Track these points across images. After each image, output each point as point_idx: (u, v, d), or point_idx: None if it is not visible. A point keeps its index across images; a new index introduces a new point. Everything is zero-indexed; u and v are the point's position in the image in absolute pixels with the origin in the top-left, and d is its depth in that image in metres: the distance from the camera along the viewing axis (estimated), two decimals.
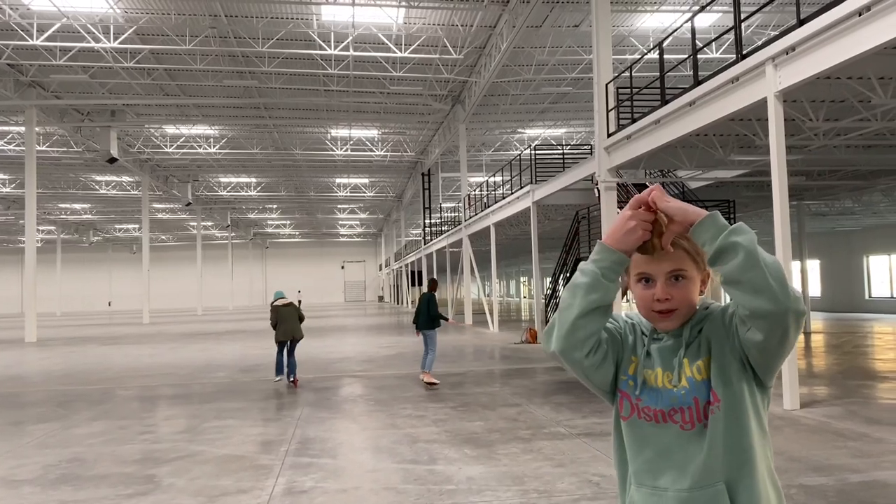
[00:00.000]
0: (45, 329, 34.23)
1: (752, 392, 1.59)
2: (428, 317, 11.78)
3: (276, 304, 12.19)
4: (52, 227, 62.23)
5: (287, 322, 11.91)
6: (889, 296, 30.18)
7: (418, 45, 21.68)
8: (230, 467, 6.36)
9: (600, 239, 1.59)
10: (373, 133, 34.44)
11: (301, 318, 12.08)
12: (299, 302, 61.69)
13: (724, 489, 1.55)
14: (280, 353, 11.88)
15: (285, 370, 11.81)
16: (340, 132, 33.87)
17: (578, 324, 1.58)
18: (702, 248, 1.52)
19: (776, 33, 9.14)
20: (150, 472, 6.23)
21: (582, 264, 1.62)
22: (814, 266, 33.73)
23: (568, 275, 18.16)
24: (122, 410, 9.80)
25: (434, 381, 11.42)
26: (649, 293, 1.62)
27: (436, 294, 12.24)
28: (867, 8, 6.89)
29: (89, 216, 58.96)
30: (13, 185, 42.48)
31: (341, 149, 36.31)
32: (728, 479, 1.55)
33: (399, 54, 21.72)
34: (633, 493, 1.65)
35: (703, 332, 1.63)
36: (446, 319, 12.23)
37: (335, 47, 21.32)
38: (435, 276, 13.05)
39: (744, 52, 9.12)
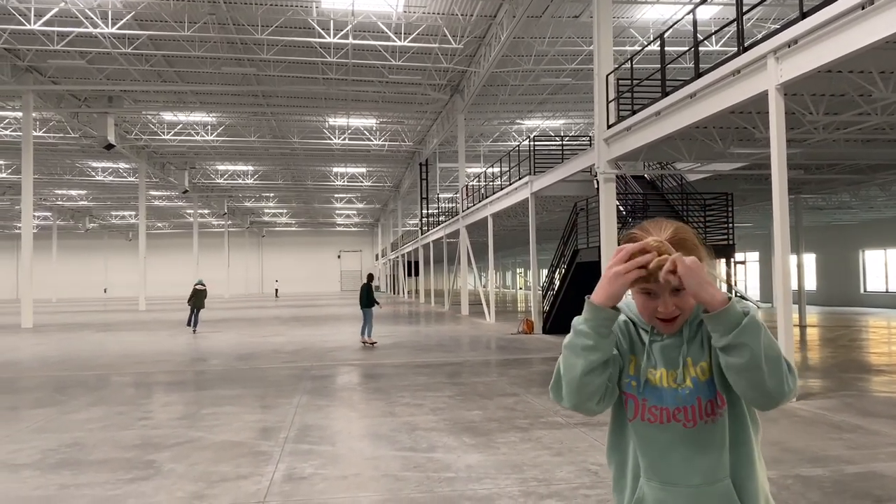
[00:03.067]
0: (41, 315, 34.18)
1: None
2: (366, 300, 16.63)
3: (196, 287, 21.65)
4: (49, 214, 62.02)
5: (196, 298, 21.28)
6: (884, 290, 30.30)
7: (418, 34, 21.60)
8: (229, 453, 6.37)
9: (588, 296, 1.62)
10: (371, 122, 34.34)
11: (205, 296, 21.56)
12: (276, 290, 64.36)
13: (731, 484, 1.64)
14: (191, 313, 21.25)
15: (194, 324, 21.22)
16: (338, 121, 33.77)
17: (584, 381, 1.61)
18: (711, 333, 1.55)
19: (777, 26, 9.13)
20: (149, 458, 6.25)
21: (575, 322, 1.62)
22: (810, 260, 33.82)
23: (564, 268, 18.18)
24: (120, 396, 9.81)
25: (373, 341, 16.46)
26: (652, 304, 1.65)
27: (372, 284, 17.17)
28: (870, 1, 6.89)
29: (85, 203, 58.76)
30: (9, 171, 42.26)
31: (339, 138, 36.19)
32: (732, 475, 1.65)
33: (398, 43, 21.63)
34: (642, 486, 1.71)
35: (703, 327, 1.66)
36: (378, 304, 17.18)
37: (334, 35, 21.23)
38: (372, 273, 18.63)
39: (745, 45, 9.11)
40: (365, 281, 17.30)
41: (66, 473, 5.78)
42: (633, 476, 1.73)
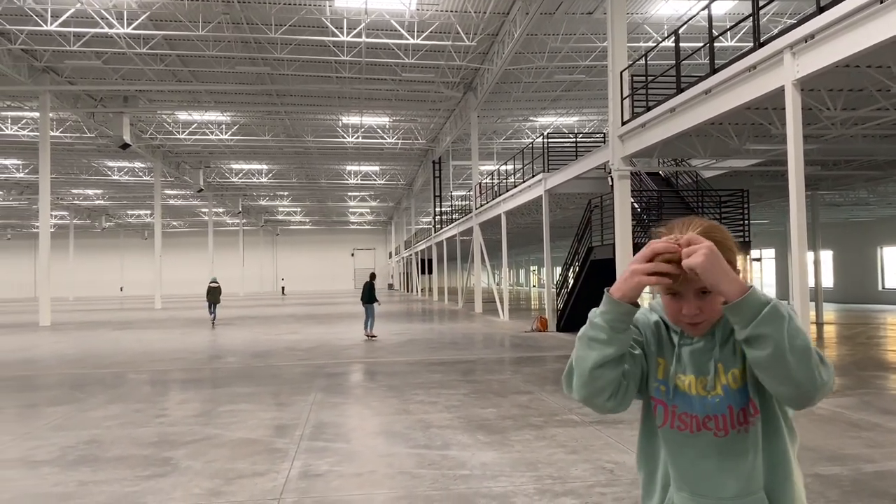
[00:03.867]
0: (59, 314, 34.54)
1: None
2: (369, 297, 17.93)
3: (210, 285, 24.40)
4: (65, 213, 62.62)
5: (212, 295, 24.05)
6: None
7: (431, 32, 21.59)
8: (245, 450, 6.41)
9: (607, 288, 1.57)
10: (384, 120, 34.38)
11: (220, 293, 24.34)
12: (283, 288, 69.01)
13: (765, 497, 1.57)
14: (209, 308, 24.01)
15: (214, 317, 23.98)
16: (352, 119, 33.84)
17: (596, 374, 1.55)
18: (733, 326, 1.47)
19: (793, 21, 9.04)
20: (166, 455, 6.30)
21: (592, 314, 1.56)
22: (827, 257, 33.52)
23: (578, 266, 18.12)
24: (137, 394, 9.89)
25: (374, 334, 17.87)
26: (677, 306, 1.58)
27: (374, 283, 18.50)
28: None
29: (101, 202, 59.28)
30: (27, 171, 42.72)
31: (352, 136, 36.28)
32: (767, 487, 1.58)
33: (411, 41, 21.65)
34: (672, 495, 1.65)
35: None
36: (378, 302, 18.31)
37: (347, 34, 21.28)
38: (374, 272, 20.18)
39: (761, 40, 9.03)
40: (368, 279, 18.76)
41: (85, 470, 5.84)
42: (662, 484, 1.67)
